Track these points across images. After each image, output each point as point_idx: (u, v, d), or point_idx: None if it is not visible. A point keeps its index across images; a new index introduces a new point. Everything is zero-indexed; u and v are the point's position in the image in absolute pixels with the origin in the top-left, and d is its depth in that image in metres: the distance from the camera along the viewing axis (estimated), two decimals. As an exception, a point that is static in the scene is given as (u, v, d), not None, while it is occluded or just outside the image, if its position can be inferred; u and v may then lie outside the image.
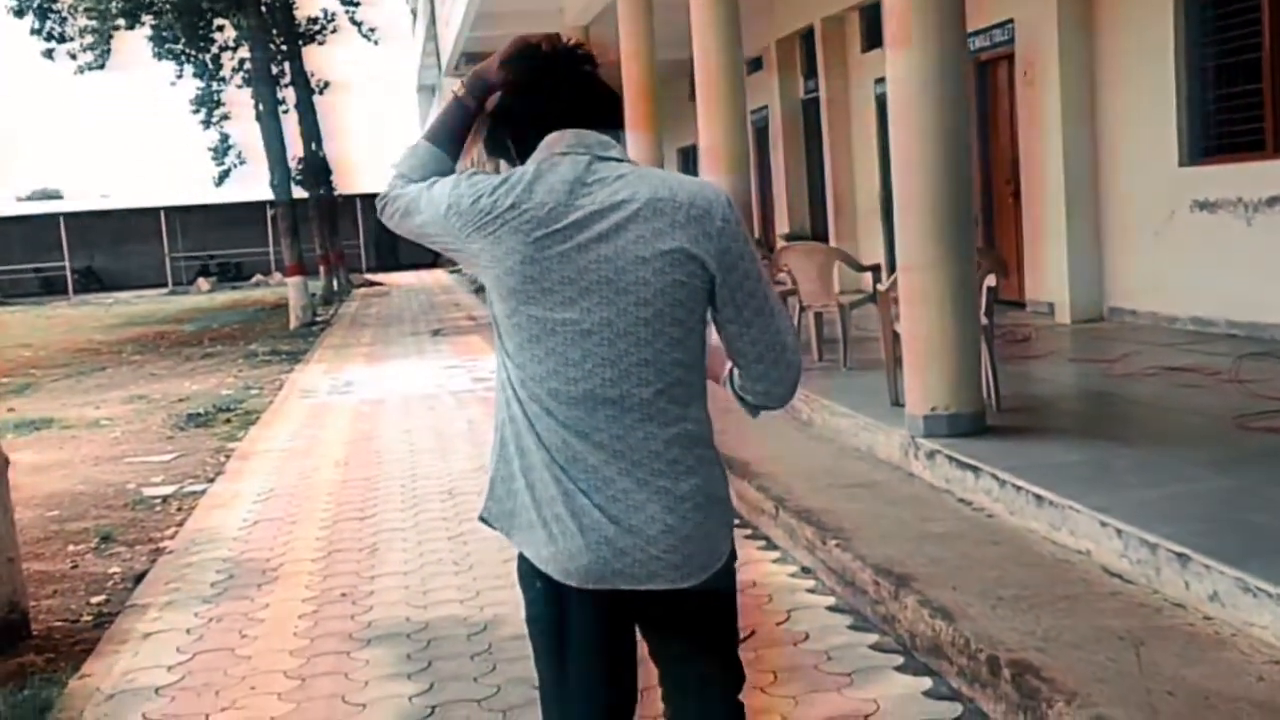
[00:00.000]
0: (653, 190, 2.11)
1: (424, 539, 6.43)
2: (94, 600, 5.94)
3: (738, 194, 9.68)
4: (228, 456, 9.43)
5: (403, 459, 8.74)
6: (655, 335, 2.09)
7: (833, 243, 14.69)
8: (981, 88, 11.76)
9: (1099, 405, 6.87)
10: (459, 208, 2.15)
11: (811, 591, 5.05)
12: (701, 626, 2.28)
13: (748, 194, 9.98)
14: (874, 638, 4.45)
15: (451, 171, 2.30)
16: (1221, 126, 8.87)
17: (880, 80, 14.02)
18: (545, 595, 2.19)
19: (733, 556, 2.27)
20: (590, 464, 2.10)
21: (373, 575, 5.85)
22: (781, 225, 16.69)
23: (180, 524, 7.35)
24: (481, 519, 2.29)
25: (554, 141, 2.17)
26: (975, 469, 5.38)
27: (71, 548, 7.02)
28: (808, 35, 16.15)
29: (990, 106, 11.70)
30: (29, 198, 66.85)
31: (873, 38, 14.32)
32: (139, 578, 6.20)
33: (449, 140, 2.32)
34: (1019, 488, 5.00)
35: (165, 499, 8.08)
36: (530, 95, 2.22)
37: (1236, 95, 8.70)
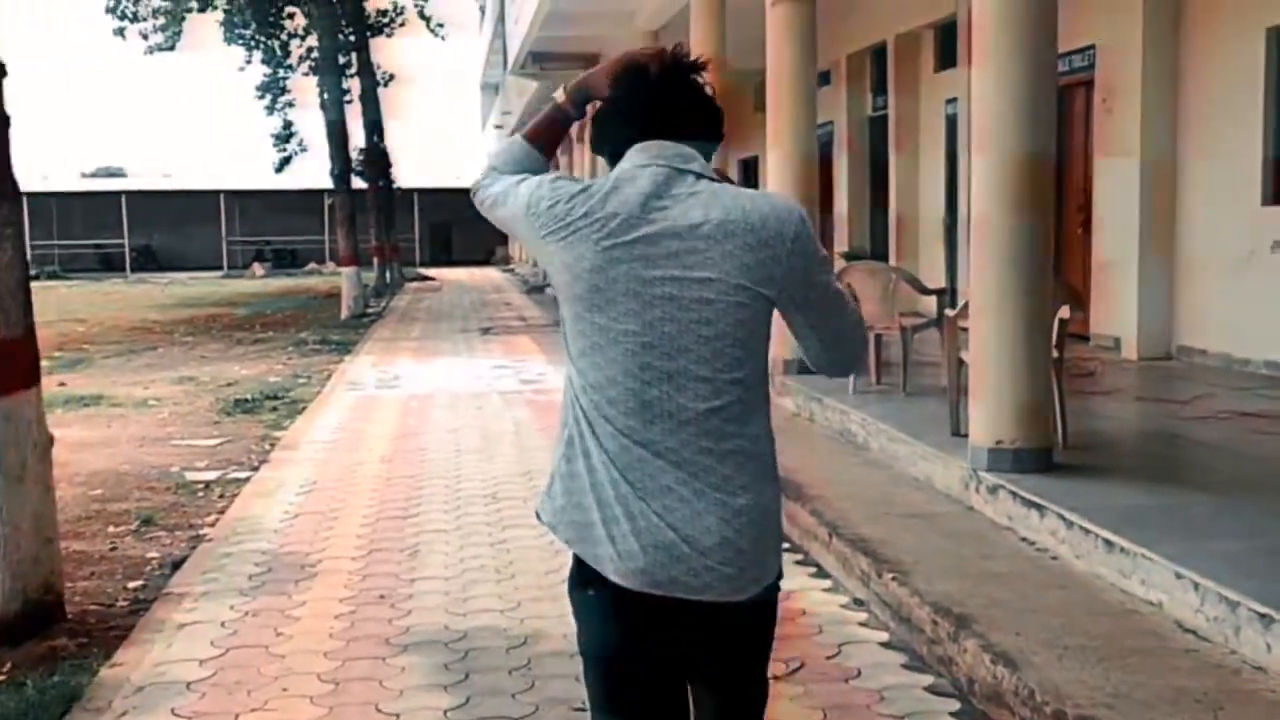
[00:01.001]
0: (725, 212, 2.12)
1: (466, 543, 6.30)
2: (131, 585, 5.85)
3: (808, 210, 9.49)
4: (273, 445, 9.37)
5: (448, 458, 8.63)
6: (715, 355, 2.10)
7: (892, 263, 14.45)
8: (1059, 113, 11.50)
9: (1170, 448, 6.62)
10: (537, 210, 2.20)
11: (864, 625, 4.86)
12: (742, 643, 2.28)
13: (813, 210, 9.77)
14: (929, 679, 4.26)
15: (544, 170, 2.35)
16: (1308, 167, 8.60)
17: (952, 100, 13.82)
18: (598, 601, 2.19)
19: (780, 575, 2.26)
20: (649, 470, 2.11)
21: (413, 578, 5.73)
22: (840, 243, 16.47)
23: (222, 511, 7.28)
24: (536, 514, 2.30)
25: (639, 152, 2.20)
26: (1040, 507, 5.17)
27: (112, 529, 6.96)
28: (879, 51, 15.94)
29: (1065, 133, 11.42)
30: (93, 175, 67.70)
31: (947, 57, 14.10)
32: (177, 565, 6.11)
33: (545, 141, 2.39)
34: (1087, 530, 4.79)
35: (208, 484, 8.02)
36: (631, 115, 2.25)
37: (1325, 134, 8.44)
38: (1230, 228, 9.08)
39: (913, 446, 6.65)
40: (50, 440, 5.20)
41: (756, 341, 2.15)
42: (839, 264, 13.86)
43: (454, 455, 8.74)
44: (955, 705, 4.04)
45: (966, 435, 6.48)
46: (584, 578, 2.21)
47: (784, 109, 9.36)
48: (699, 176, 2.18)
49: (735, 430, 2.12)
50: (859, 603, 5.10)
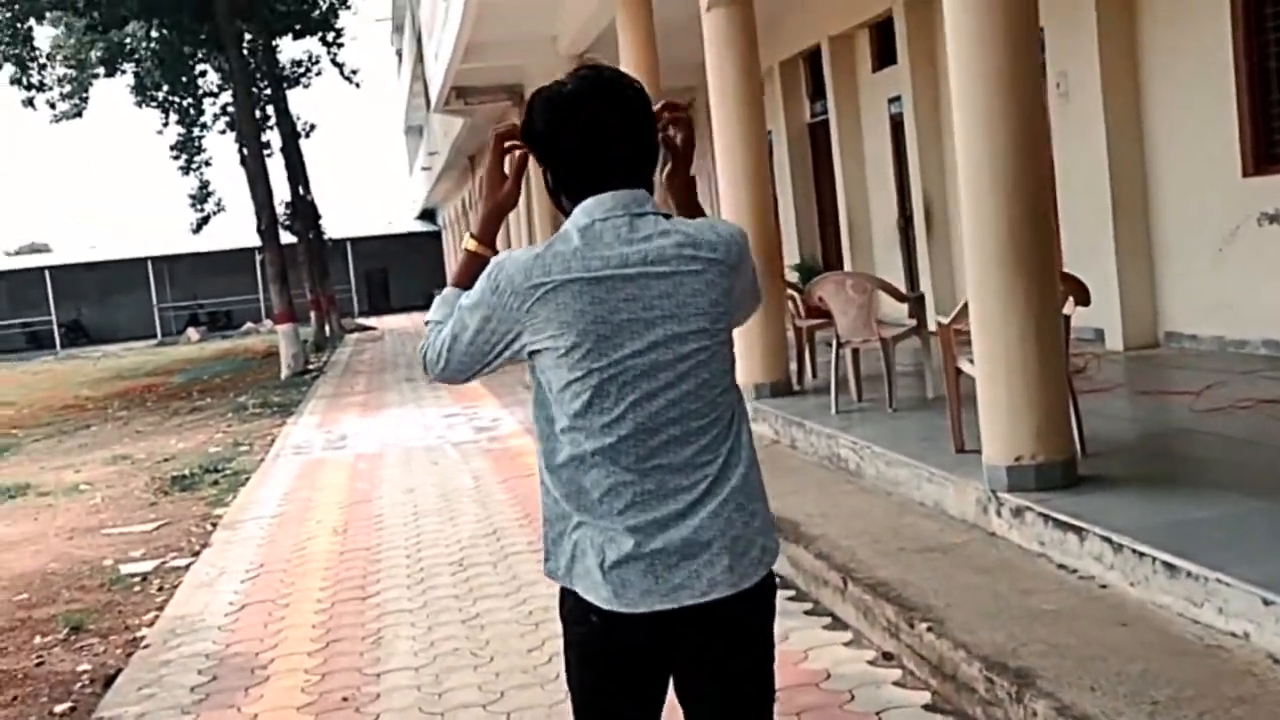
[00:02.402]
0: (691, 239, 2.23)
1: (435, 623, 5.64)
2: (58, 710, 5.16)
3: (765, 221, 8.96)
4: (214, 525, 8.65)
5: (405, 524, 7.95)
6: (706, 364, 2.22)
7: (848, 270, 13.95)
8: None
9: (1199, 447, 6.04)
10: (513, 284, 2.20)
11: (899, 685, 4.26)
12: (749, 636, 2.31)
13: (773, 220, 9.22)
14: (991, 748, 3.67)
15: None
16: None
17: (895, 99, 13.37)
18: (598, 630, 2.24)
19: (776, 552, 2.33)
20: (643, 500, 2.19)
21: (379, 671, 5.06)
22: (790, 255, 15.94)
23: (160, 607, 6.59)
24: (548, 575, 2.34)
25: (591, 208, 2.23)
26: (1079, 529, 4.60)
27: (39, 639, 6.26)
28: (813, 56, 15.49)
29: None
30: (17, 252, 66.22)
31: (885, 56, 13.67)
32: (110, 680, 5.41)
33: (473, 283, 2.33)
34: (1140, 553, 4.23)
35: (145, 577, 7.32)
36: (561, 145, 2.27)
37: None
38: (1210, 204, 8.61)
39: (915, 469, 6.07)
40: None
41: (729, 342, 2.30)
42: (791, 277, 13.40)
43: (412, 519, 8.06)
44: (1028, 779, 3.46)
45: (973, 452, 5.93)
46: (585, 605, 2.25)
47: (731, 119, 8.81)
48: (656, 214, 2.25)
49: (724, 432, 2.24)
50: (888, 657, 4.49)
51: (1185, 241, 8.94)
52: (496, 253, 2.38)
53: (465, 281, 2.35)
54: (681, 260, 2.20)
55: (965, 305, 5.60)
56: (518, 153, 2.35)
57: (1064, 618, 4.16)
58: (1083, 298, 5.62)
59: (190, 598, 6.66)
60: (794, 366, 9.30)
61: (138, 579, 7.28)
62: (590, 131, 2.22)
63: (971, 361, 5.86)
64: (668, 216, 2.28)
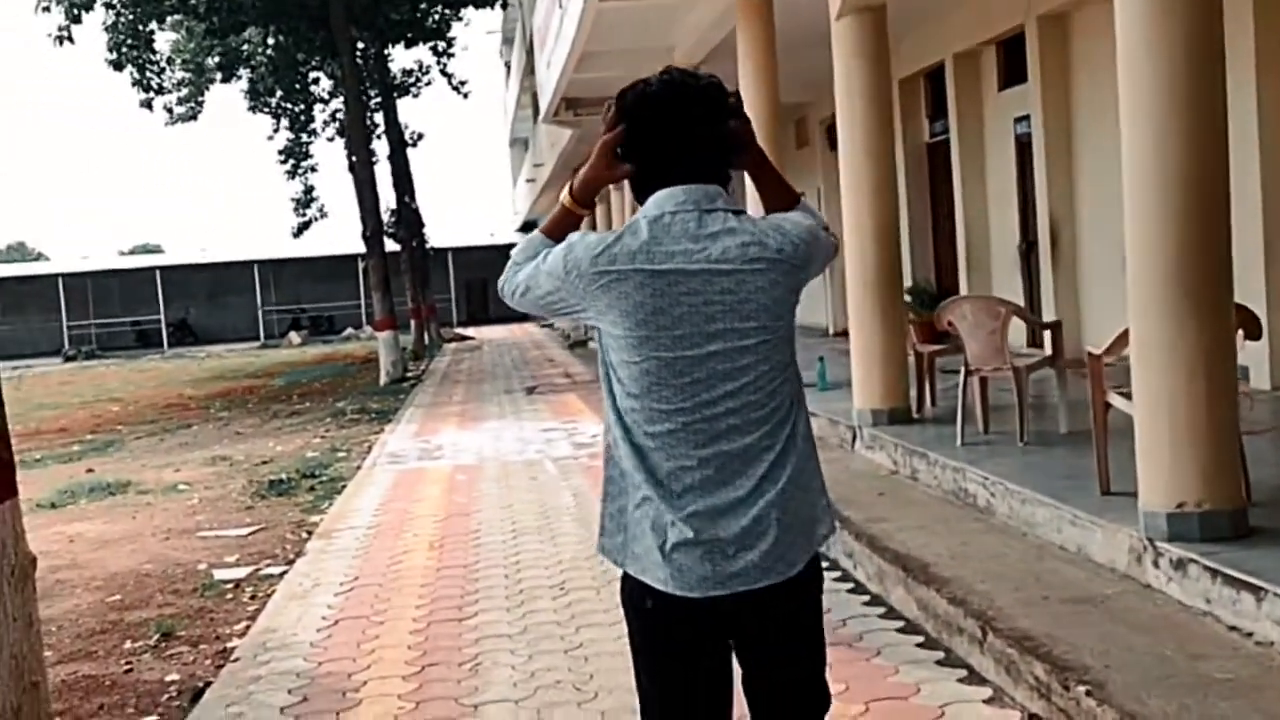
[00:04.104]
0: (757, 239, 2.30)
1: (535, 651, 5.32)
2: (143, 723, 4.94)
3: (890, 241, 8.55)
4: (309, 532, 8.45)
5: (504, 541, 7.66)
6: (767, 358, 2.29)
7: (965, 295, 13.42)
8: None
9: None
10: (579, 268, 2.30)
11: (1053, 754, 3.84)
12: (800, 623, 2.38)
13: (897, 244, 8.77)
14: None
15: None
16: None
17: (1022, 119, 12.84)
18: (656, 612, 2.31)
19: (831, 534, 2.42)
20: (703, 484, 2.26)
21: (476, 702, 4.75)
22: (904, 278, 15.44)
23: (252, 617, 6.38)
24: (600, 551, 2.41)
25: (663, 200, 2.33)
26: (1256, 588, 4.13)
27: (129, 644, 6.09)
28: (935, 74, 14.99)
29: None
30: (130, 252, 67.92)
31: (1012, 74, 13.14)
32: (198, 693, 5.18)
33: (560, 235, 2.43)
34: (1333, 620, 3.76)
35: (238, 584, 7.13)
36: (645, 136, 2.37)
37: None
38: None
39: (1056, 510, 5.61)
40: (32, 561, 4.27)
41: (791, 337, 2.37)
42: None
43: (511, 537, 7.77)
44: None
45: (1120, 494, 5.48)
46: (642, 588, 2.32)
47: (858, 132, 8.40)
48: (727, 210, 2.32)
49: (783, 418, 2.32)
50: (1036, 720, 4.07)
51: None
52: (590, 211, 2.53)
53: (555, 232, 2.45)
54: (746, 260, 2.27)
55: (1121, 335, 5.15)
56: (621, 127, 2.41)
57: (1243, 689, 3.70)
58: (1253, 330, 5.14)
59: (283, 609, 6.44)
60: (912, 393, 8.84)
61: (231, 585, 7.10)
62: (670, 128, 2.34)
63: (1124, 395, 5.41)
64: (738, 213, 2.35)
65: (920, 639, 5.01)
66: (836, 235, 2.55)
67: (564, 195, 2.47)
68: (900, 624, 5.25)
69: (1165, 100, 4.54)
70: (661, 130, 2.35)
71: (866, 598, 5.72)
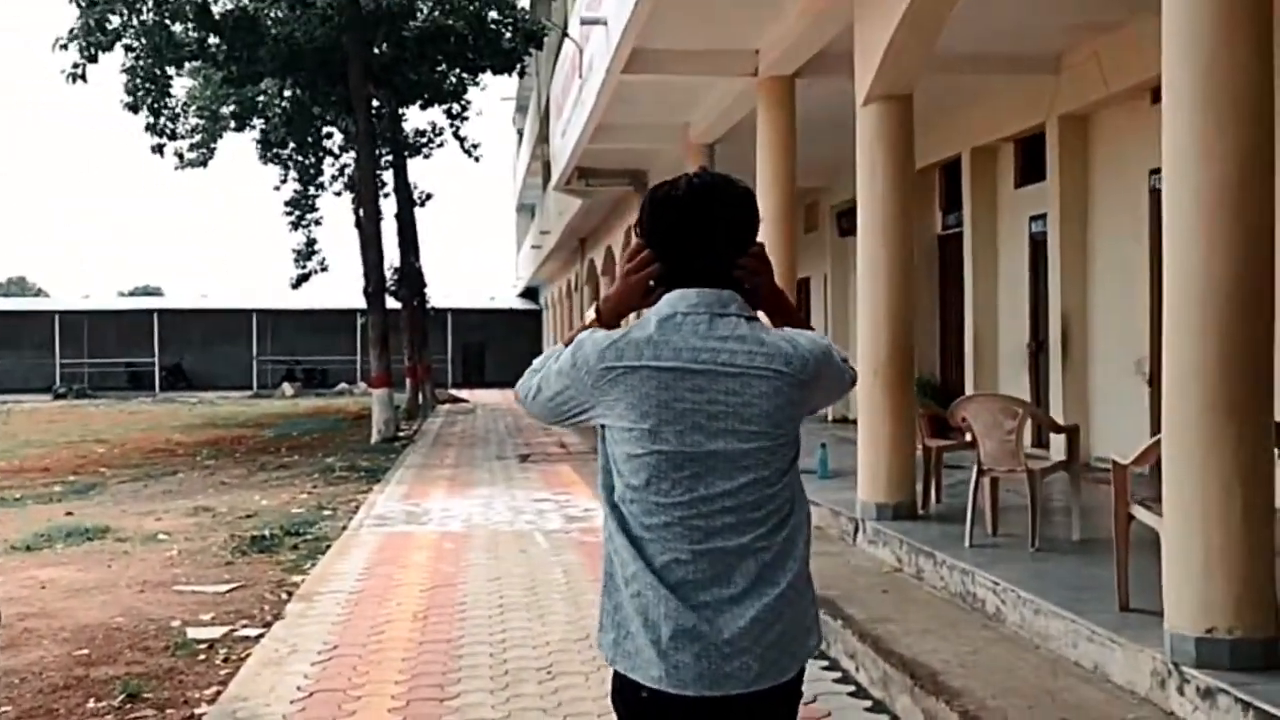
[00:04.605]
0: (766, 348, 2.31)
1: (520, 740, 5.05)
2: (99, 794, 4.65)
3: (903, 331, 8.38)
4: (290, 593, 8.17)
5: (490, 616, 7.39)
6: (766, 463, 2.31)
7: (969, 391, 13.24)
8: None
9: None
10: (589, 364, 2.33)
11: None
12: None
13: (909, 334, 8.60)
14: None
15: None
16: None
17: (1038, 217, 12.77)
18: (647, 705, 2.29)
19: (819, 645, 2.42)
20: (698, 580, 2.27)
21: (455, 794, 4.48)
22: (907, 370, 15.30)
23: (224, 681, 6.09)
24: (599, 646, 2.40)
25: (676, 301, 2.35)
26: (1292, 726, 3.90)
27: (92, 703, 5.83)
28: (950, 167, 14.96)
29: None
30: (131, 293, 67.86)
31: (1030, 172, 13.09)
32: (160, 765, 4.89)
33: None
34: (1378, 768, 3.51)
35: (212, 644, 6.84)
36: (666, 238, 2.41)
37: None
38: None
39: (1072, 624, 5.37)
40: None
41: (794, 447, 2.38)
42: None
43: (498, 612, 7.50)
44: None
45: (1140, 611, 5.26)
46: (635, 685, 2.30)
47: (878, 220, 8.27)
48: (739, 317, 2.34)
49: (778, 524, 2.32)
50: None
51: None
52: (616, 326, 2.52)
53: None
54: (752, 365, 2.29)
55: (1150, 446, 4.96)
56: (655, 265, 2.43)
57: (1283, 838, 3.45)
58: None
59: (256, 675, 6.16)
60: (918, 488, 8.62)
61: (204, 645, 6.82)
62: (694, 234, 2.36)
63: (1148, 508, 5.20)
64: (750, 319, 2.36)
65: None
66: (855, 370, 2.56)
67: (589, 313, 2.51)
68: (905, 735, 4.99)
69: (1214, 210, 4.38)
70: (686, 233, 2.37)
71: (869, 703, 5.46)
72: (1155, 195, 10.72)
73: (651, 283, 2.43)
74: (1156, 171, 10.58)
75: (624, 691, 2.34)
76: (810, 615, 2.38)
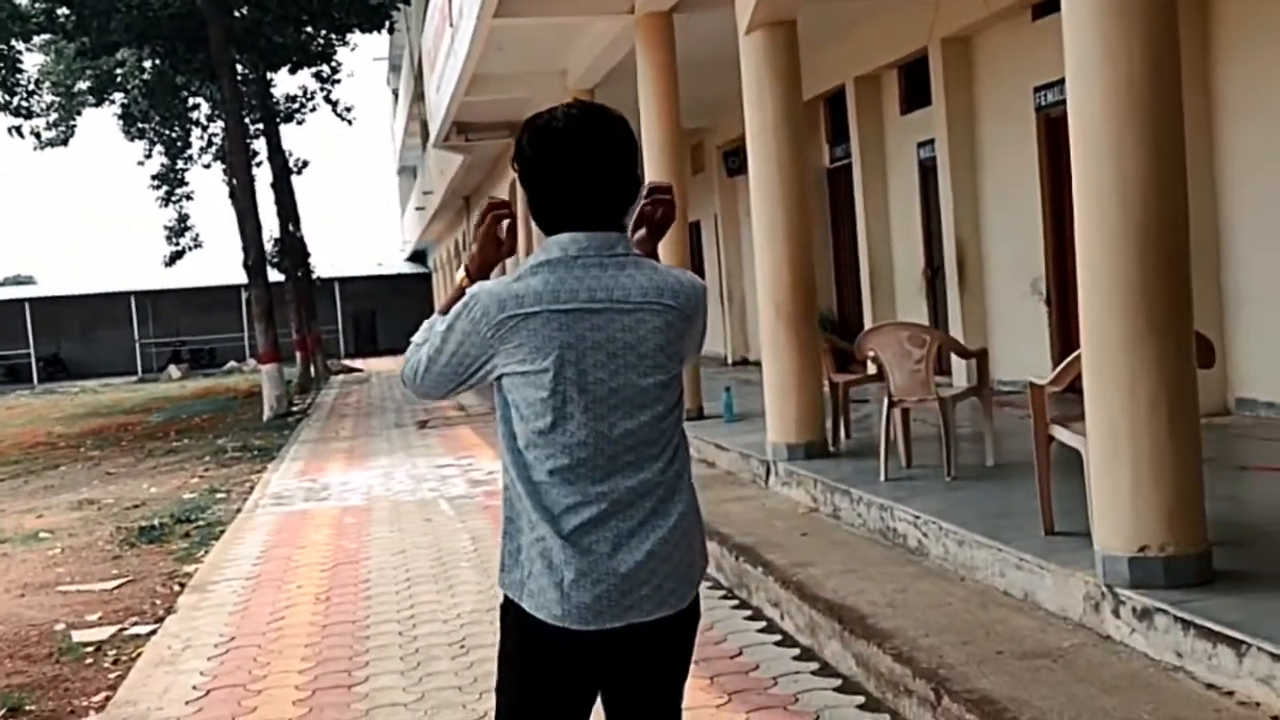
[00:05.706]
0: (654, 283, 2.38)
1: (434, 722, 4.75)
2: (-26, 824, 4.25)
3: (803, 266, 8.17)
4: (182, 585, 7.74)
5: (398, 592, 7.06)
6: (661, 398, 2.39)
7: (868, 324, 13.15)
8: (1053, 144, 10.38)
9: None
10: (488, 315, 2.34)
11: (1028, 838, 3.39)
12: (681, 656, 2.51)
13: (810, 267, 8.40)
14: None
15: None
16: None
17: (925, 143, 12.65)
18: (544, 642, 2.36)
19: (706, 568, 2.53)
20: (598, 516, 2.32)
21: (367, 788, 4.17)
22: (805, 306, 15.17)
23: (113, 686, 5.70)
24: (502, 586, 2.45)
25: (566, 243, 2.37)
26: (1236, 641, 3.75)
27: (-31, 720, 5.34)
28: (835, 98, 14.78)
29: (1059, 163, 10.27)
30: (2, 283, 65.37)
31: (914, 99, 12.96)
32: (43, 785, 4.50)
33: None
34: (1329, 679, 3.38)
35: (99, 646, 6.41)
36: (548, 177, 2.39)
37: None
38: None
39: (998, 552, 5.22)
40: None
41: (679, 376, 2.46)
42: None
43: (405, 587, 7.16)
44: None
45: (1065, 534, 5.13)
46: (530, 622, 2.37)
47: (770, 150, 8.02)
48: (626, 255, 2.39)
49: (673, 454, 2.42)
50: (1005, 797, 3.63)
51: (1260, 298, 8.15)
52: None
53: (449, 309, 2.46)
54: (646, 301, 2.35)
55: (1070, 363, 4.79)
56: (505, 222, 2.48)
57: (1239, 760, 3.31)
58: (1206, 359, 4.79)
59: (148, 677, 5.76)
60: (827, 425, 8.44)
61: (91, 648, 6.38)
62: (574, 165, 2.34)
63: (1068, 429, 5.05)
64: (639, 258, 2.42)
65: (861, 699, 4.56)
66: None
67: (459, 275, 2.52)
68: (838, 682, 4.78)
69: (1125, 112, 4.18)
70: (567, 164, 2.35)
71: (797, 651, 5.25)
72: (1041, 112, 10.65)
73: (504, 229, 2.45)
74: (1041, 88, 10.57)
75: (519, 624, 2.40)
76: (700, 540, 2.48)
